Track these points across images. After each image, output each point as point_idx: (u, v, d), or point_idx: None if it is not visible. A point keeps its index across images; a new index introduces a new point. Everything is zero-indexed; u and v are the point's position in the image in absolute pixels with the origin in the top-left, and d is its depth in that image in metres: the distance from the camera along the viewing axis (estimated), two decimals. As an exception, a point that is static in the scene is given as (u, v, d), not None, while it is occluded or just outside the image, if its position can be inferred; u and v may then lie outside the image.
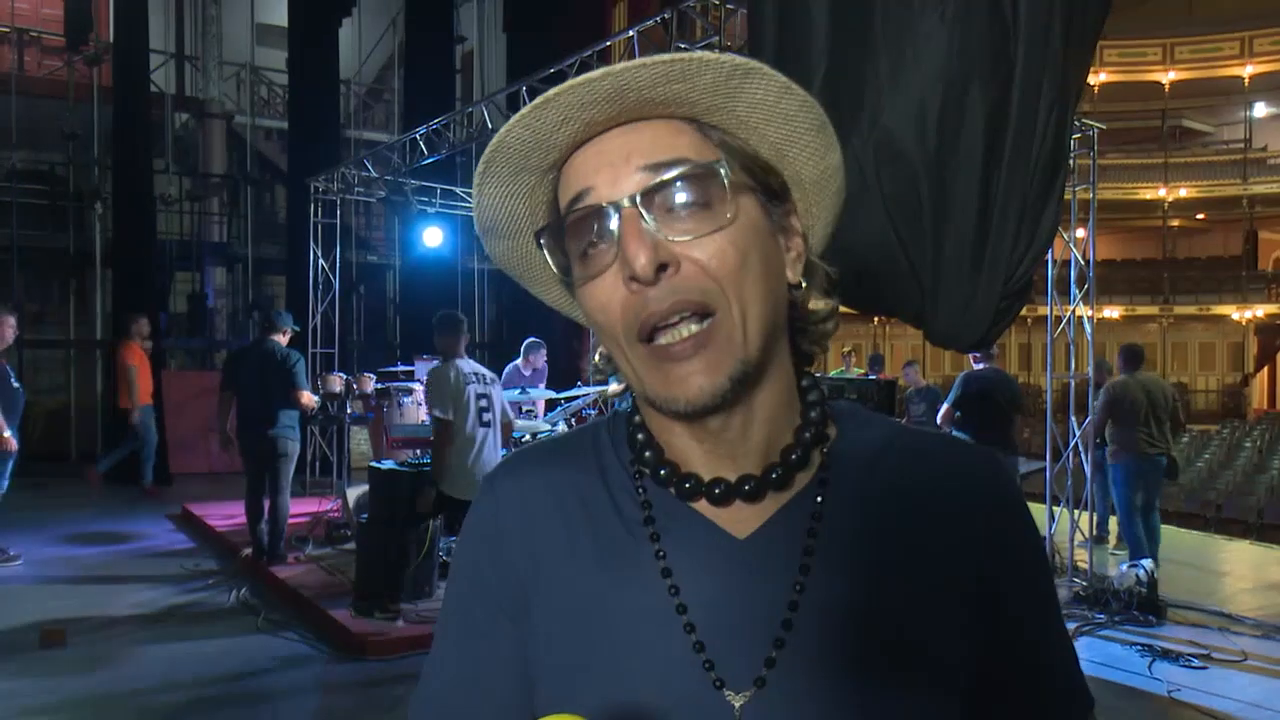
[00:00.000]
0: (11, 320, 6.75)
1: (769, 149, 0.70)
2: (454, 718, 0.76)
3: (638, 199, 0.64)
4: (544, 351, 7.92)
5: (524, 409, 7.25)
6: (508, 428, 5.49)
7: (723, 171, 0.65)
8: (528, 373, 7.85)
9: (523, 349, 7.88)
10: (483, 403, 5.27)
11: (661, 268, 0.63)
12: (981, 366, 6.96)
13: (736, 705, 0.66)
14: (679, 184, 0.64)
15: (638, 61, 0.62)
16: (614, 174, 0.65)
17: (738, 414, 0.68)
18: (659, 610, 0.69)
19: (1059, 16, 3.46)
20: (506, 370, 7.68)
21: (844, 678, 0.66)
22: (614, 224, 0.64)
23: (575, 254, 0.68)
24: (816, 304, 0.73)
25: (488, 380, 5.36)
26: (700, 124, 0.67)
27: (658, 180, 0.64)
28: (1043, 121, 3.51)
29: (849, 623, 0.67)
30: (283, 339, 6.65)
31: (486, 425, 5.26)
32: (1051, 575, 0.79)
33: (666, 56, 0.62)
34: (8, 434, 6.67)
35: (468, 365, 5.34)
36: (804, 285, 0.72)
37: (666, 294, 0.63)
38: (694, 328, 0.64)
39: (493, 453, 5.29)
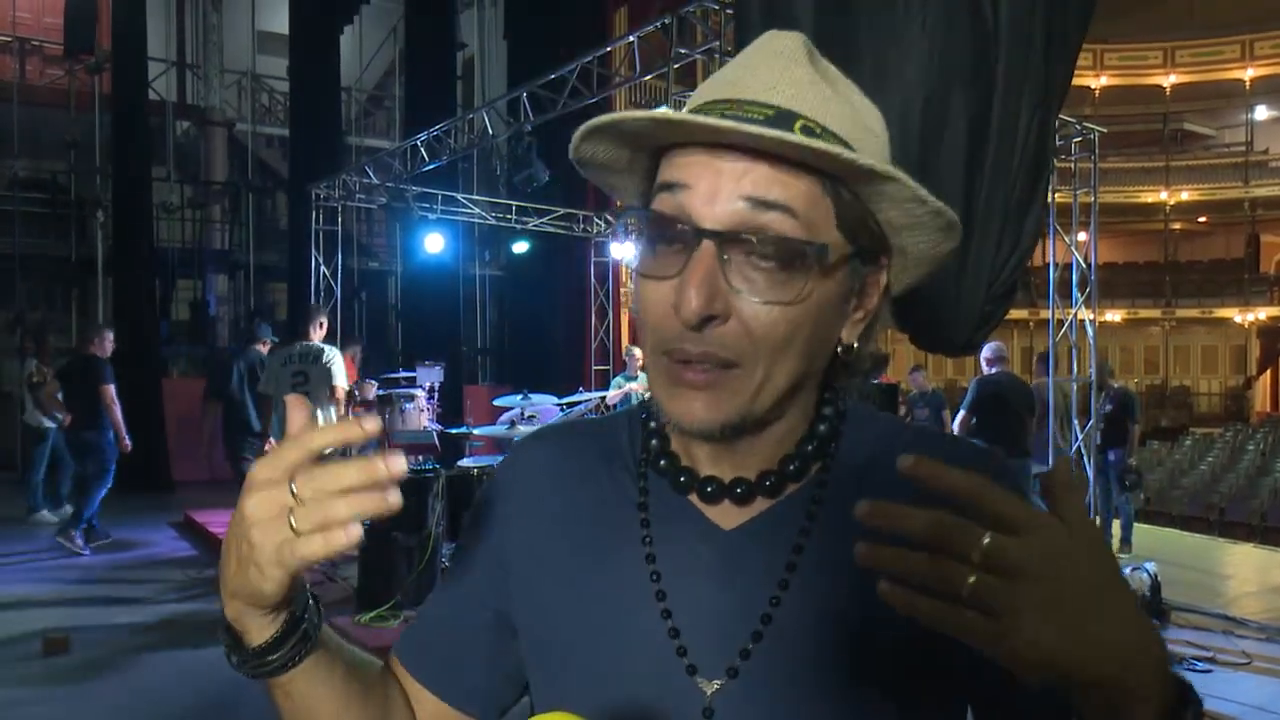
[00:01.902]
0: (110, 334, 7.76)
1: (884, 219, 0.69)
2: (423, 656, 0.81)
3: (722, 237, 0.63)
4: None
5: (526, 414, 7.24)
6: (332, 393, 6.32)
7: (814, 254, 0.63)
8: None
9: None
10: (298, 378, 6.29)
11: (709, 319, 0.63)
12: (994, 370, 6.93)
13: (707, 693, 0.67)
14: (769, 240, 0.63)
15: (778, 135, 0.60)
16: (717, 186, 0.64)
17: (737, 442, 0.69)
18: (639, 594, 0.71)
19: (1040, 22, 3.47)
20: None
21: (818, 677, 0.67)
22: (691, 245, 0.63)
23: (647, 239, 0.67)
24: (864, 353, 0.73)
25: (309, 359, 6.34)
26: (824, 175, 0.65)
27: (752, 222, 0.63)
28: (1024, 126, 3.52)
29: (830, 624, 0.68)
30: (263, 349, 7.12)
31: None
32: None
33: (805, 142, 0.61)
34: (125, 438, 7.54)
35: (295, 348, 6.46)
36: (854, 346, 0.71)
37: (701, 342, 0.63)
38: (709, 366, 0.64)
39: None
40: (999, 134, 3.53)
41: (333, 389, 6.34)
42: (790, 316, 0.64)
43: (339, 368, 6.40)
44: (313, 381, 6.29)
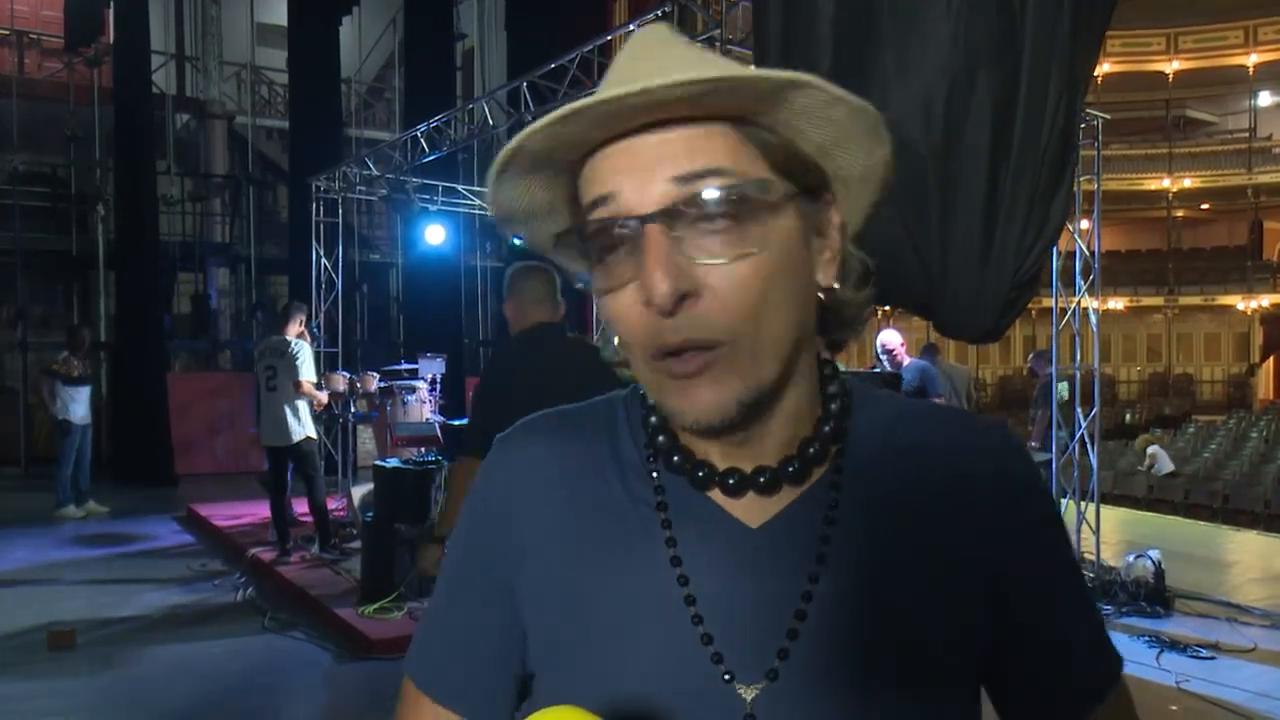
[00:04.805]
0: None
1: (813, 147, 0.66)
2: (444, 677, 0.78)
3: (665, 215, 0.60)
4: None
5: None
6: (296, 386, 6.56)
7: (756, 191, 0.61)
8: None
9: None
10: (268, 372, 6.64)
11: (683, 297, 0.60)
12: (929, 358, 7.13)
13: (748, 699, 0.64)
14: (710, 200, 0.60)
15: (671, 80, 0.57)
16: (641, 181, 0.61)
17: (755, 424, 0.67)
18: (667, 599, 0.67)
19: (1068, 4, 3.43)
20: None
21: (858, 669, 0.65)
22: (638, 238, 0.61)
23: (595, 259, 0.64)
24: (848, 297, 0.70)
25: (276, 353, 6.65)
26: (739, 123, 0.63)
27: (687, 194, 0.60)
28: (1051, 111, 3.47)
29: (864, 614, 0.66)
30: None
31: (271, 389, 6.62)
32: (1074, 552, 0.77)
33: (702, 77, 0.57)
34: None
35: (267, 342, 6.87)
36: (836, 288, 0.68)
37: (682, 326, 0.60)
38: (699, 352, 0.61)
39: (277, 408, 6.57)
40: (1025, 117, 3.48)
41: (297, 383, 6.54)
42: (759, 268, 0.61)
43: (304, 361, 6.58)
44: (280, 375, 6.57)
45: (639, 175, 0.61)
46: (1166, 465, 14.30)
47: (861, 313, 0.71)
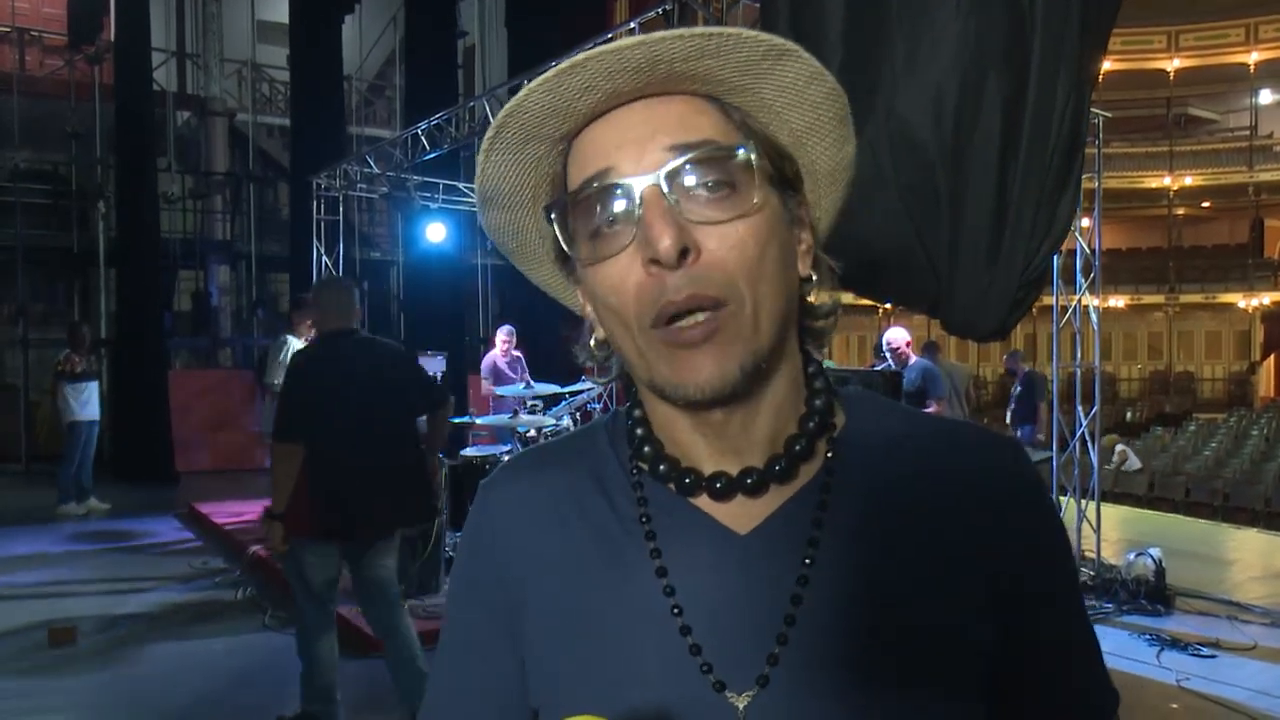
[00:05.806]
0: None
1: (788, 135, 0.67)
2: None
3: (663, 178, 0.61)
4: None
5: (528, 404, 7.22)
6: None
7: (752, 157, 0.63)
8: (506, 364, 7.94)
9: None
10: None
11: (684, 253, 0.61)
12: (929, 357, 7.21)
13: (740, 706, 0.64)
14: (706, 167, 0.62)
15: (674, 32, 0.59)
16: (638, 151, 0.63)
17: (742, 407, 0.66)
18: (655, 612, 0.67)
19: (1075, 4, 3.43)
20: (484, 363, 7.84)
21: (849, 674, 0.64)
22: (636, 203, 0.62)
23: (585, 232, 0.65)
24: (820, 298, 0.71)
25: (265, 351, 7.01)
26: (722, 103, 0.65)
27: (685, 160, 0.62)
28: (1060, 110, 3.47)
29: (855, 617, 0.65)
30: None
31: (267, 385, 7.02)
32: (1075, 569, 0.75)
33: (702, 30, 0.60)
34: None
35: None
36: (813, 278, 0.69)
37: (685, 283, 0.61)
38: (705, 316, 0.62)
39: (268, 403, 6.80)
40: (1034, 117, 3.48)
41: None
42: (755, 229, 0.63)
43: (271, 361, 6.67)
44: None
45: (634, 147, 0.63)
46: (1135, 463, 15.12)
47: (828, 320, 0.72)
